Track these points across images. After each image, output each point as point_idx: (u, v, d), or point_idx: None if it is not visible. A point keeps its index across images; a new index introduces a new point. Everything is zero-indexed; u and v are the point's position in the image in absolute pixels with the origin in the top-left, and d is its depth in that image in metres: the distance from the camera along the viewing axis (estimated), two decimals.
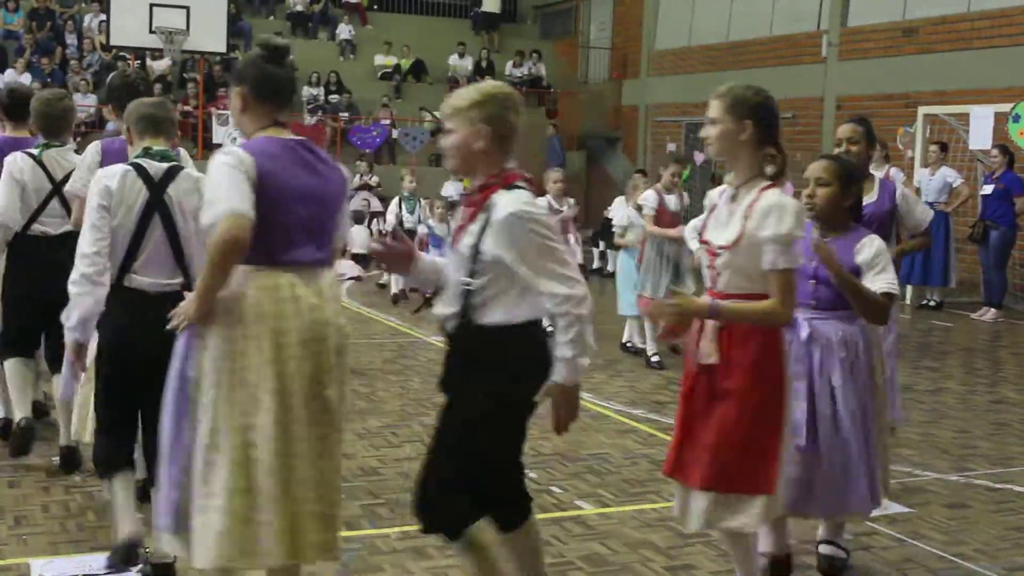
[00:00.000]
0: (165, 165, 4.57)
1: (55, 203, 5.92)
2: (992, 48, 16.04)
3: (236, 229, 3.45)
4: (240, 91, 3.82)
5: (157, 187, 4.49)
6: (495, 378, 3.60)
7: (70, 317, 4.36)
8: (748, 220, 3.82)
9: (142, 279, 4.43)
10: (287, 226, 3.65)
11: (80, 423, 5.26)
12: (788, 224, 3.76)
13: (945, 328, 12.62)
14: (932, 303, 13.96)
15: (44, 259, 5.74)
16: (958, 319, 13.28)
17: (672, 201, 9.82)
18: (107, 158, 5.22)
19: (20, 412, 6.01)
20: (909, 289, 14.24)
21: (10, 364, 6.08)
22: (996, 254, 13.42)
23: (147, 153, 4.61)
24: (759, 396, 3.88)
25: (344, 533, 4.27)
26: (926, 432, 7.49)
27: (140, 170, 4.51)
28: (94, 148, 5.47)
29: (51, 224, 5.92)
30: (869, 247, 4.46)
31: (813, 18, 19.79)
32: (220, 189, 3.53)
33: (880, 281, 4.39)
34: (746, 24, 21.29)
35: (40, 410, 6.70)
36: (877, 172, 12.70)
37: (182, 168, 4.63)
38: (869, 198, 5.39)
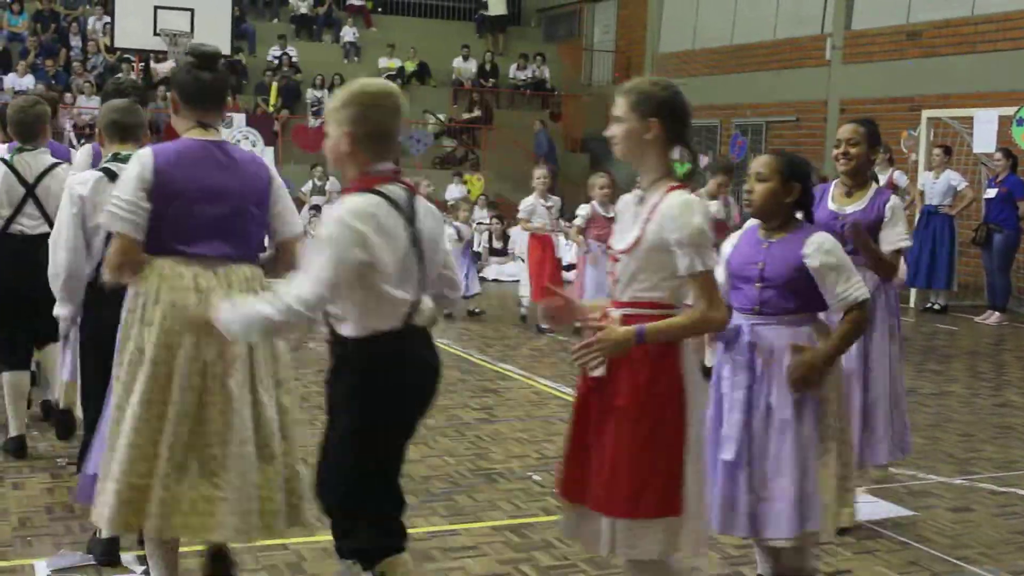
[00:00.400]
0: None
1: (31, 204, 6.11)
2: (996, 52, 16.04)
3: (118, 253, 3.82)
4: (171, 95, 4.05)
5: None
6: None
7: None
8: (649, 223, 3.53)
9: None
10: (191, 221, 3.82)
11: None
12: (696, 223, 3.46)
13: (949, 332, 12.61)
14: (936, 307, 13.95)
15: (24, 258, 5.84)
16: (962, 323, 13.27)
17: (716, 208, 9.63)
18: (97, 160, 5.34)
19: (14, 429, 6.23)
20: (913, 292, 14.24)
21: (5, 378, 6.30)
22: (1000, 257, 13.41)
23: (116, 158, 4.76)
24: (651, 417, 3.51)
25: None
26: (930, 436, 7.49)
27: (111, 175, 4.62)
28: (85, 151, 5.68)
29: (28, 225, 6.10)
30: (819, 247, 4.21)
31: (817, 21, 19.79)
32: (114, 198, 3.83)
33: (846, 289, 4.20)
34: (750, 27, 21.29)
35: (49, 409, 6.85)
36: (882, 175, 12.79)
37: None
38: (857, 204, 5.33)
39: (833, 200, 5.41)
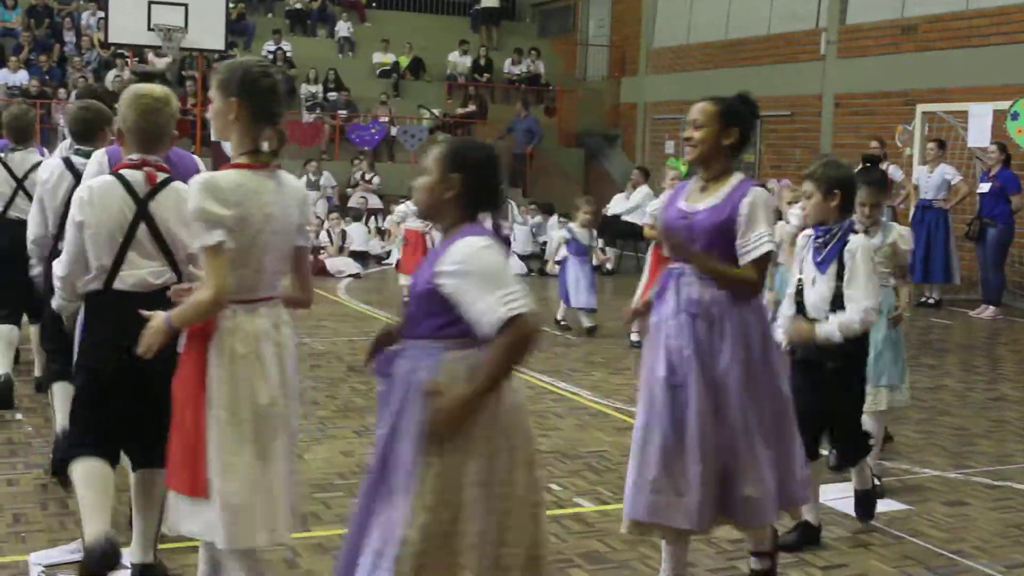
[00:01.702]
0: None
1: (21, 195, 7.09)
2: (990, 46, 16.04)
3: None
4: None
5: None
6: None
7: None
8: None
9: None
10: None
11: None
12: (194, 201, 3.53)
13: (944, 326, 12.62)
14: (931, 301, 13.96)
15: (17, 240, 6.27)
16: (957, 317, 13.29)
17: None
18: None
19: (2, 367, 7.21)
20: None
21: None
22: (993, 252, 13.42)
23: (77, 152, 5.53)
24: (177, 397, 3.67)
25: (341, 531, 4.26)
26: (925, 429, 7.50)
27: (70, 165, 5.51)
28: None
29: (24, 210, 6.65)
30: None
31: (812, 16, 19.79)
32: None
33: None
34: (745, 22, 21.28)
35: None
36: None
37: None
38: (710, 201, 4.26)
39: (687, 197, 4.35)
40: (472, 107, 23.54)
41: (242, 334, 3.62)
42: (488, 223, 3.38)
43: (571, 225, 11.64)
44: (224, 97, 3.65)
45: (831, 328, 4.83)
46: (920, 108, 14.97)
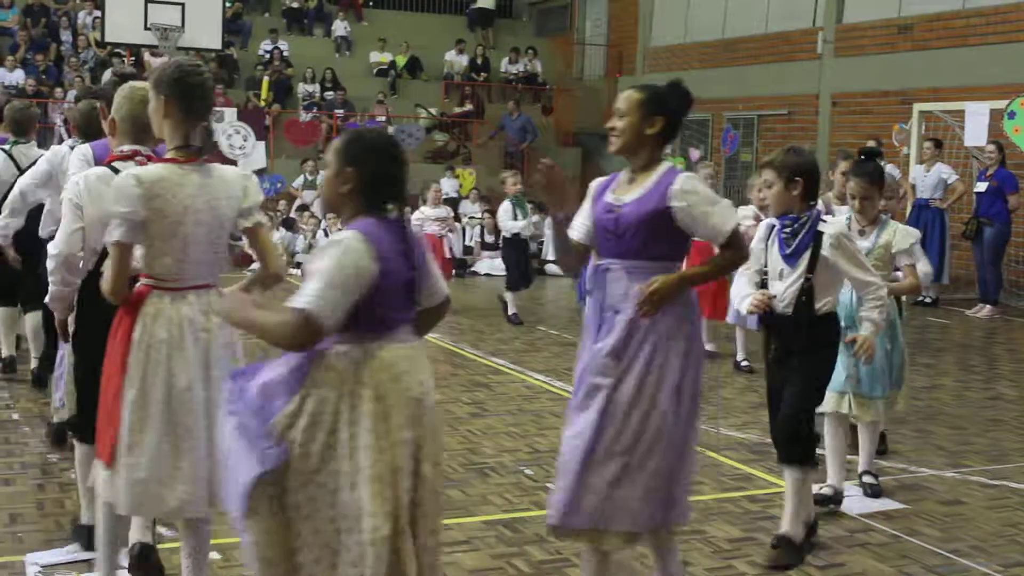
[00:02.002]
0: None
1: None
2: (987, 45, 16.05)
3: None
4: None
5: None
6: None
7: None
8: None
9: None
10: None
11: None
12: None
13: (941, 325, 12.63)
14: (928, 300, 13.96)
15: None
16: (953, 316, 13.29)
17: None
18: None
19: (6, 349, 8.17)
20: None
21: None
22: (990, 251, 13.43)
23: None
24: (107, 367, 3.97)
25: None
26: (921, 428, 7.50)
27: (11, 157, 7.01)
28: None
29: None
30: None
31: (808, 15, 19.80)
32: None
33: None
34: (742, 21, 21.29)
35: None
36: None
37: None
38: (635, 193, 4.03)
39: (615, 190, 4.13)
40: (469, 106, 23.54)
41: (164, 319, 3.85)
42: (393, 216, 3.36)
43: None
44: (156, 95, 3.91)
45: (870, 324, 5.04)
46: (917, 107, 14.99)
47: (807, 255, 4.81)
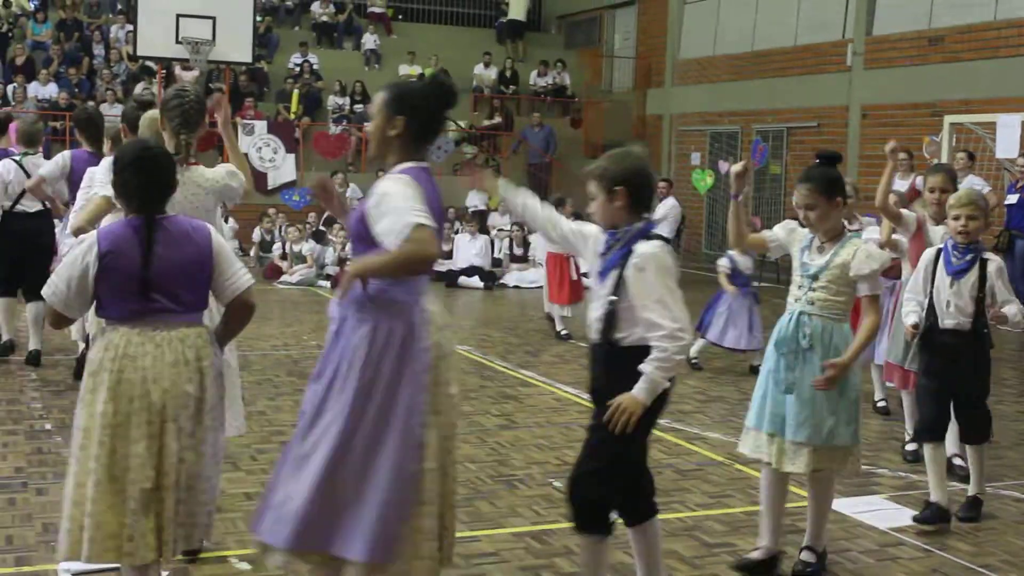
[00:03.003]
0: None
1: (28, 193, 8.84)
2: (1018, 56, 15.97)
3: None
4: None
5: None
6: None
7: None
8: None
9: None
10: None
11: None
12: None
13: None
14: None
15: (23, 228, 8.89)
16: None
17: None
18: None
19: (7, 334, 9.19)
20: None
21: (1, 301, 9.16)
22: (1022, 263, 13.33)
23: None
24: None
25: None
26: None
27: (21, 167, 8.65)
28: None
29: (28, 206, 8.90)
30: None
31: (838, 27, 19.75)
32: None
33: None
34: (771, 33, 21.26)
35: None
36: (904, 181, 12.75)
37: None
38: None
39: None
40: (498, 119, 23.60)
41: None
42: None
43: (731, 253, 9.88)
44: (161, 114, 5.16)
45: (643, 383, 3.92)
46: (948, 119, 14.91)
47: (614, 275, 4.02)
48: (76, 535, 3.82)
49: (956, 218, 5.59)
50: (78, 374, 7.49)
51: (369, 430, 3.73)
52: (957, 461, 6.42)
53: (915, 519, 5.61)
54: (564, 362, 10.24)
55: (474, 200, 20.42)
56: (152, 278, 3.81)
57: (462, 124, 23.24)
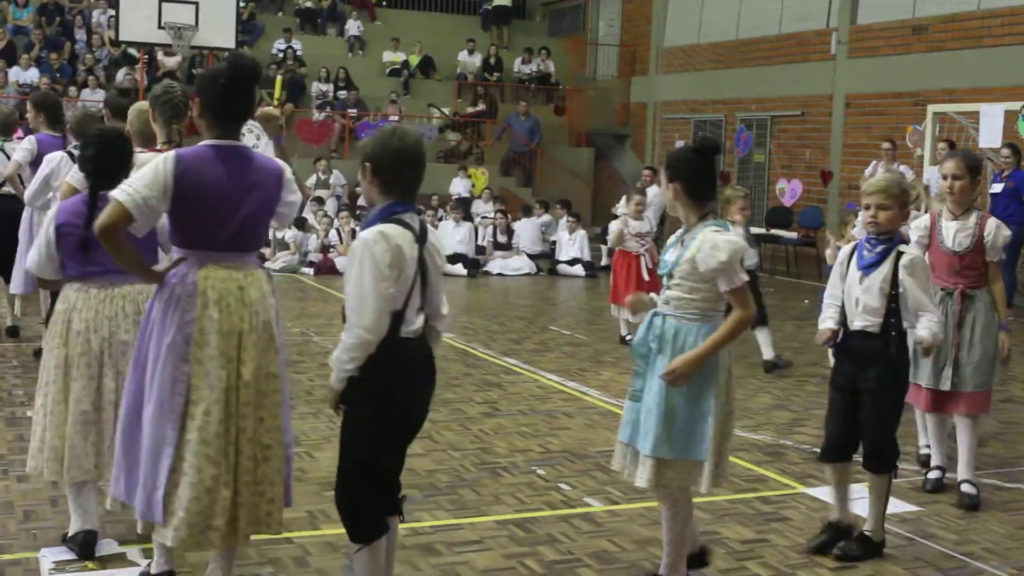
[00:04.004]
0: None
1: None
2: (1002, 46, 16.00)
3: None
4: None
5: None
6: None
7: None
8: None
9: None
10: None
11: None
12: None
13: None
14: None
15: (11, 210, 8.79)
16: None
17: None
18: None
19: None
20: None
21: None
22: (1006, 253, 13.36)
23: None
24: None
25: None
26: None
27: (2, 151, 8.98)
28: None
29: (9, 189, 8.95)
30: None
31: (822, 16, 19.76)
32: None
33: None
34: (755, 22, 21.26)
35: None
36: (882, 171, 12.77)
37: None
38: None
39: None
40: (482, 106, 23.55)
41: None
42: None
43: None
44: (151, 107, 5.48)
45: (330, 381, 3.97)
46: (931, 108, 14.94)
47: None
48: (38, 456, 4.65)
49: (866, 207, 4.97)
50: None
51: (137, 398, 4.06)
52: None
53: (811, 549, 5.03)
54: (547, 350, 10.23)
55: (458, 187, 20.38)
56: (92, 244, 4.44)
57: (446, 111, 23.19)
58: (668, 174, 4.33)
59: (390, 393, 3.78)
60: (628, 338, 10.16)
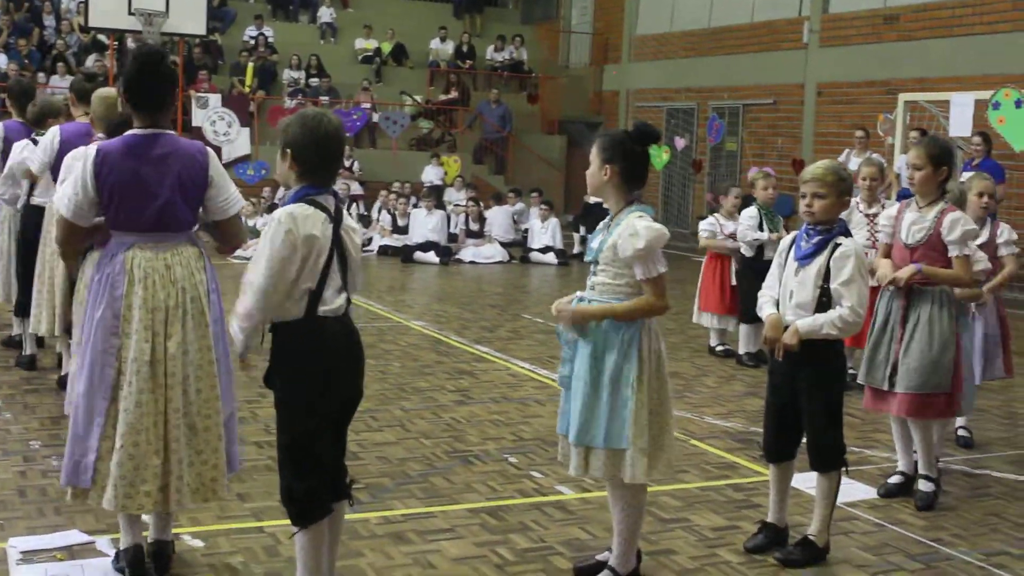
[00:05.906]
0: None
1: None
2: (972, 35, 16.09)
3: None
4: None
5: None
6: None
7: None
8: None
9: None
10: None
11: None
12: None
13: None
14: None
15: None
16: None
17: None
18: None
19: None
20: None
21: None
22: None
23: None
24: None
25: None
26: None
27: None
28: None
29: None
30: None
31: (794, 4, 19.81)
32: None
33: None
34: (727, 10, 21.29)
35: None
36: (858, 158, 12.81)
37: None
38: None
39: None
40: (454, 94, 23.50)
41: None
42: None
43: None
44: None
45: None
46: (902, 97, 14.99)
47: None
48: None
49: (802, 196, 4.75)
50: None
51: (76, 370, 4.29)
52: (962, 432, 6.87)
53: (747, 550, 4.90)
54: (519, 337, 10.23)
55: (430, 175, 20.34)
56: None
57: (418, 98, 23.13)
58: (604, 156, 4.25)
59: (312, 371, 3.83)
60: (720, 349, 9.64)
